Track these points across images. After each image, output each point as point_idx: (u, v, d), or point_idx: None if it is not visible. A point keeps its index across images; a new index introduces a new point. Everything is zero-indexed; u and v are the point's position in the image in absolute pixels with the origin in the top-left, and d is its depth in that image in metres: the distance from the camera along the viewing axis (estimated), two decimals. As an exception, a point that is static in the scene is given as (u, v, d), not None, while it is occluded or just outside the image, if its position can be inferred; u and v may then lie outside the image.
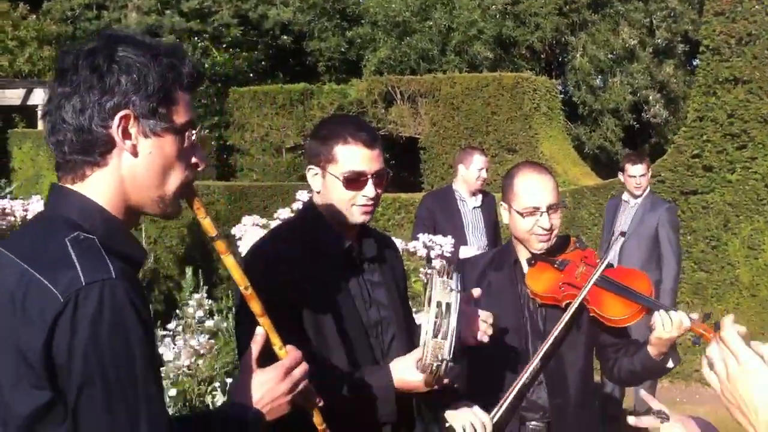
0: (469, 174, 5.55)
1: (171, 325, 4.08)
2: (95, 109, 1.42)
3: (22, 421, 1.31)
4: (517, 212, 2.70)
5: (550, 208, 2.68)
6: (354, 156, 2.23)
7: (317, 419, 1.87)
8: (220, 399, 3.70)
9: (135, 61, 1.44)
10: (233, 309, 4.42)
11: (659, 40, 18.49)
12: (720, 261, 7.28)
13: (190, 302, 4.10)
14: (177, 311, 4.21)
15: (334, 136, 2.26)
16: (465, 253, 5.18)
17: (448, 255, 4.81)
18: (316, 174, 2.31)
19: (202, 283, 5.04)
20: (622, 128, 18.50)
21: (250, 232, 4.50)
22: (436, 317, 2.02)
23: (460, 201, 5.61)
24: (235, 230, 4.60)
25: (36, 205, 5.66)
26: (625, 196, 6.04)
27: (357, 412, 2.15)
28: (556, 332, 2.62)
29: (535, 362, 2.61)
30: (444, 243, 4.84)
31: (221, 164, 16.35)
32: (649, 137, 20.32)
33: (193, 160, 1.56)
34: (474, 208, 5.61)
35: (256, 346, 1.71)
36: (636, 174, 5.88)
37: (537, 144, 13.46)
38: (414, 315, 2.72)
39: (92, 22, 18.76)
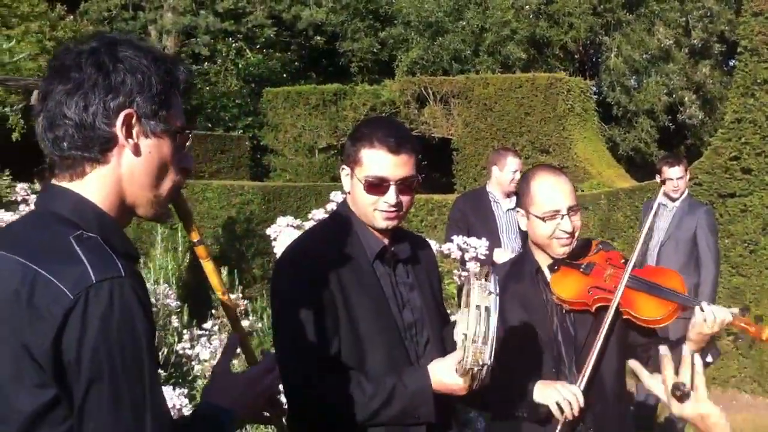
0: (503, 176, 5.51)
1: (207, 325, 4.12)
2: (99, 107, 1.43)
3: (24, 418, 1.31)
4: (537, 217, 2.64)
5: (570, 210, 2.62)
6: (377, 160, 2.22)
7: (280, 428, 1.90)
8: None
9: (139, 62, 1.46)
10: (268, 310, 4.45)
11: (695, 41, 18.25)
12: (758, 265, 7.16)
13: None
14: (212, 311, 4.24)
15: (362, 138, 2.26)
16: (499, 255, 5.15)
17: (483, 257, 4.78)
18: (347, 174, 2.32)
19: (237, 283, 5.08)
20: (657, 129, 18.30)
21: (284, 232, 4.51)
22: (477, 322, 2.01)
23: (494, 203, 5.58)
24: (270, 231, 4.62)
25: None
26: (663, 199, 5.96)
27: (395, 413, 2.16)
28: (599, 341, 2.56)
29: (591, 362, 2.57)
30: (478, 245, 4.81)
31: (255, 164, 16.46)
32: (684, 139, 20.08)
33: (183, 164, 1.59)
34: (508, 210, 5.57)
35: (230, 351, 1.76)
36: (673, 176, 5.80)
37: (571, 145, 13.37)
38: (451, 318, 2.71)
39: (128, 22, 18.98)
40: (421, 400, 2.16)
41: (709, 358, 2.59)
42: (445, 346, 2.34)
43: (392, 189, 2.23)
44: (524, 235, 5.53)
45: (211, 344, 3.97)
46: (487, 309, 2.02)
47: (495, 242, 5.27)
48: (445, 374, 2.15)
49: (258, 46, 19.81)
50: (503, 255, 5.13)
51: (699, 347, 2.54)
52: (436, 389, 2.16)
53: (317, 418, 2.22)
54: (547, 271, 2.73)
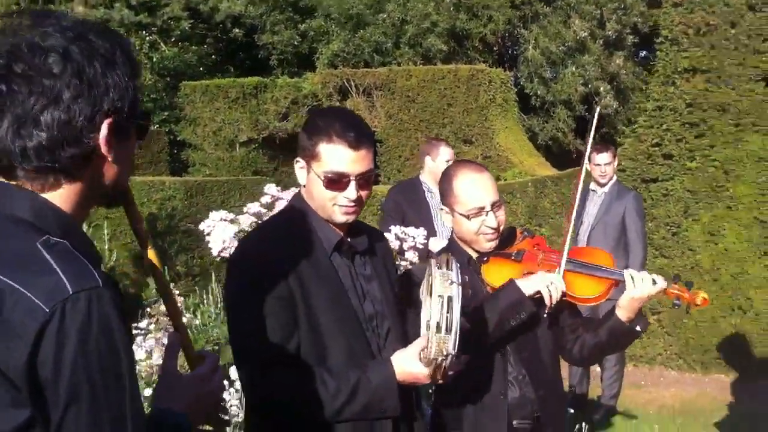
0: (437, 166, 5.50)
1: (142, 324, 3.99)
2: (83, 122, 1.30)
3: None
4: (462, 215, 2.66)
5: (494, 205, 2.65)
6: (337, 156, 2.16)
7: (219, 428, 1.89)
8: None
9: (114, 61, 1.34)
10: (204, 306, 4.34)
11: (609, 32, 18.70)
12: (680, 246, 7.38)
13: (162, 300, 4.00)
14: (148, 309, 4.10)
15: (319, 131, 2.18)
16: (435, 244, 5.14)
17: (420, 246, 4.76)
18: (303, 167, 2.25)
19: (168, 280, 4.93)
20: (574, 119, 18.70)
21: (218, 227, 4.39)
22: (439, 311, 1.97)
23: (428, 192, 5.58)
24: (203, 226, 4.48)
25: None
26: (592, 185, 6.07)
27: (359, 408, 2.11)
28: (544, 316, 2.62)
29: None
30: (416, 234, 4.79)
31: (173, 159, 16.07)
32: (599, 128, 20.56)
33: None
34: (442, 199, 5.57)
35: (173, 352, 1.69)
36: (601, 162, 5.92)
37: (493, 135, 13.53)
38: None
39: (37, 15, 18.30)
40: (385, 393, 2.11)
41: (638, 328, 2.66)
42: (408, 338, 2.29)
43: (352, 184, 2.17)
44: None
45: (145, 343, 3.84)
46: (449, 299, 1.99)
47: (430, 231, 5.25)
48: (408, 363, 2.11)
49: (173, 39, 19.35)
50: (439, 244, 5.12)
51: (629, 316, 2.61)
52: (401, 379, 2.13)
53: (278, 416, 2.15)
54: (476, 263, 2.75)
